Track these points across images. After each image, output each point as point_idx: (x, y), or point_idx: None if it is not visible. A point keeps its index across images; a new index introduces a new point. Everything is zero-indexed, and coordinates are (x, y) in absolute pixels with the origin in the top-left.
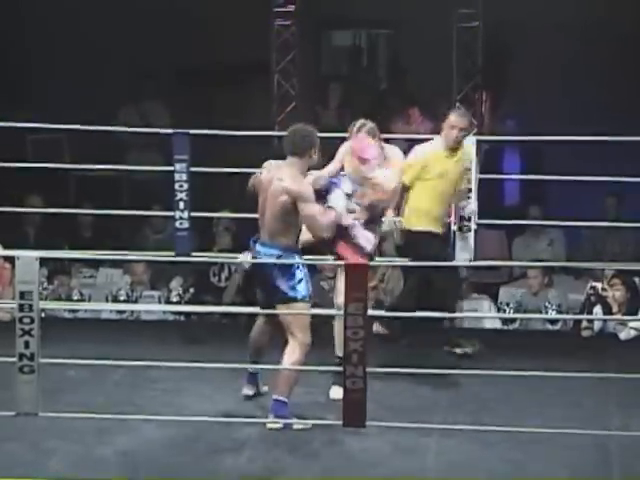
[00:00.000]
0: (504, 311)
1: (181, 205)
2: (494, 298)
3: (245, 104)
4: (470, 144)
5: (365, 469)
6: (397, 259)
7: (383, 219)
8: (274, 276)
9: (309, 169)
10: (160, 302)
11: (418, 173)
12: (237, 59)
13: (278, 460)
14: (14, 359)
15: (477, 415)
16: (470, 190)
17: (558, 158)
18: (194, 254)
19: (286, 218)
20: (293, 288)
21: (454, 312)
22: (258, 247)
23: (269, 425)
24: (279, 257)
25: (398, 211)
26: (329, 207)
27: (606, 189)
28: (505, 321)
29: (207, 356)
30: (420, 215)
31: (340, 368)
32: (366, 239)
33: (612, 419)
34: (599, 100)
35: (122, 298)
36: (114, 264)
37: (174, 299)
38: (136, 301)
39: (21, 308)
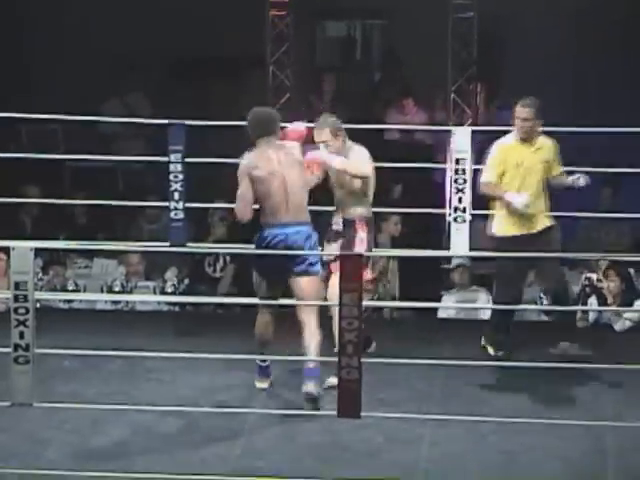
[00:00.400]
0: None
1: (176, 196)
2: (490, 289)
3: (240, 95)
4: (550, 141)
5: (360, 459)
6: (393, 251)
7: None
8: (309, 250)
9: None
10: (155, 293)
11: (500, 168)
12: (232, 50)
13: (272, 450)
14: (9, 349)
15: (471, 406)
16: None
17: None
18: (189, 245)
19: (307, 185)
20: (317, 262)
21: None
22: (281, 230)
23: (309, 389)
24: (309, 234)
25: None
26: None
27: (601, 180)
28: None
29: (202, 347)
30: (502, 218)
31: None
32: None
33: (607, 410)
34: (595, 91)
35: (117, 289)
36: (109, 255)
37: (169, 290)
38: (131, 292)
39: (16, 299)
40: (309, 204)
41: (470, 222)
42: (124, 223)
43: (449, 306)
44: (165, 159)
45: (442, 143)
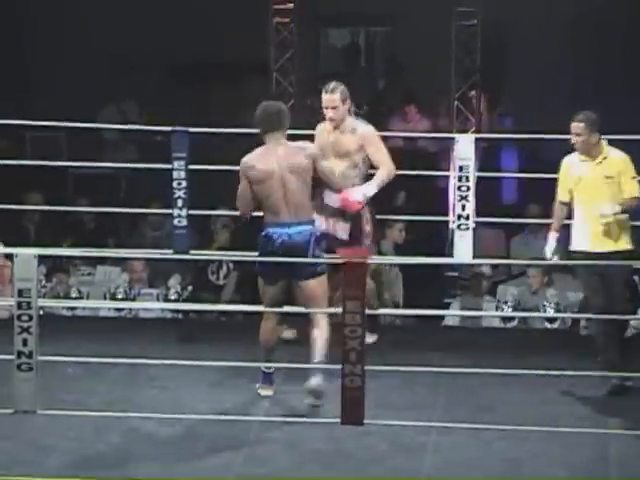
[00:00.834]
0: (502, 309)
1: (179, 203)
2: (492, 296)
3: (243, 101)
4: (620, 155)
5: (363, 467)
6: (395, 258)
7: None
8: (310, 251)
9: None
10: (158, 300)
11: (564, 185)
12: (236, 57)
13: (276, 458)
14: (12, 357)
15: (475, 413)
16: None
17: (556, 156)
18: (192, 252)
19: (309, 185)
20: (321, 262)
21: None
22: (281, 230)
23: (312, 383)
24: (311, 232)
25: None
26: None
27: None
28: (504, 319)
29: (205, 354)
30: (576, 232)
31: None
32: (342, 230)
33: (611, 418)
34: (597, 98)
35: (120, 296)
36: (112, 262)
37: (172, 297)
38: (134, 299)
39: (19, 306)
40: None
41: (474, 229)
42: (127, 230)
43: (446, 313)
44: (168, 166)
45: (445, 150)
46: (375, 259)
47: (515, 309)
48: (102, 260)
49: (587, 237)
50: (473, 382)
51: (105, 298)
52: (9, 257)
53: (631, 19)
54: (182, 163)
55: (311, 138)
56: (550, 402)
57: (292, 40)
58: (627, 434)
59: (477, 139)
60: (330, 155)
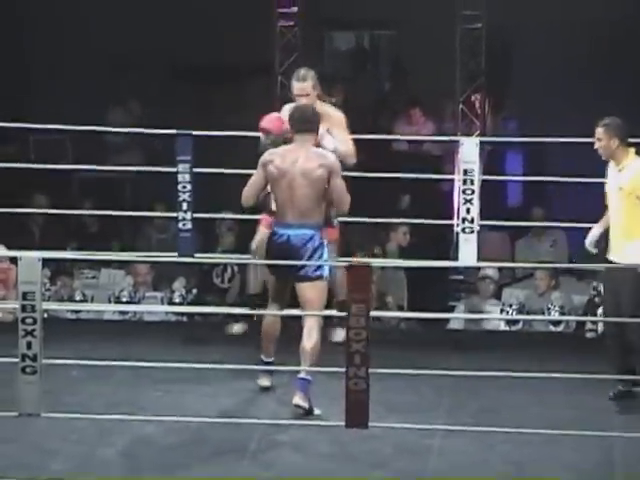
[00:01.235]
0: (507, 312)
1: (184, 206)
2: (497, 299)
3: (248, 105)
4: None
5: (367, 470)
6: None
7: None
8: (306, 255)
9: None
10: (163, 303)
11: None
12: (240, 60)
13: (281, 461)
14: (16, 360)
15: (480, 416)
16: None
17: (561, 159)
18: (197, 255)
19: (319, 195)
20: (320, 266)
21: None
22: (284, 230)
23: (296, 401)
24: (311, 236)
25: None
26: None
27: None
28: (508, 322)
29: (210, 357)
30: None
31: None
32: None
33: (615, 420)
34: (602, 101)
35: (125, 299)
36: (117, 265)
37: (177, 300)
38: (139, 302)
39: (23, 309)
40: None
41: (478, 232)
42: (132, 233)
43: (452, 316)
44: (173, 169)
45: (450, 153)
46: (380, 262)
47: (520, 312)
48: (106, 263)
49: (610, 245)
50: (477, 385)
51: (109, 301)
52: (13, 260)
53: (636, 22)
54: (187, 166)
55: None
56: (554, 405)
57: (296, 43)
58: (632, 437)
59: (482, 142)
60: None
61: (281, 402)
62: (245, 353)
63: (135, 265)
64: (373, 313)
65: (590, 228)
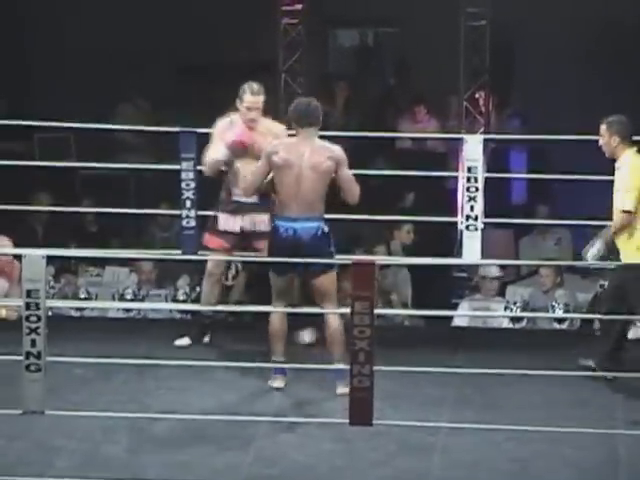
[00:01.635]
0: (511, 310)
1: (188, 204)
2: (501, 297)
3: None
4: (629, 163)
5: (371, 468)
6: (403, 259)
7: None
8: (319, 247)
9: None
10: (167, 301)
11: None
12: (244, 57)
13: (284, 458)
14: (21, 357)
15: (484, 414)
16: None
17: (565, 157)
18: (200, 252)
19: (325, 187)
20: (332, 256)
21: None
22: (289, 223)
23: (341, 391)
24: (318, 228)
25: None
26: None
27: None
28: (513, 320)
29: (214, 354)
30: None
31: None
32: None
33: (619, 418)
34: (606, 98)
35: (129, 297)
36: (121, 263)
37: (181, 298)
38: (143, 300)
39: (28, 306)
40: None
41: (482, 230)
42: (136, 231)
43: (460, 314)
44: (177, 167)
45: (454, 151)
46: (384, 260)
47: (524, 310)
48: (111, 261)
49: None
50: (481, 383)
51: (114, 299)
52: (17, 257)
53: None
54: (190, 164)
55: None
56: (559, 403)
57: (301, 41)
58: (636, 435)
59: (486, 140)
60: (244, 155)
61: (285, 399)
62: (249, 350)
63: (139, 263)
64: (377, 311)
65: (594, 226)
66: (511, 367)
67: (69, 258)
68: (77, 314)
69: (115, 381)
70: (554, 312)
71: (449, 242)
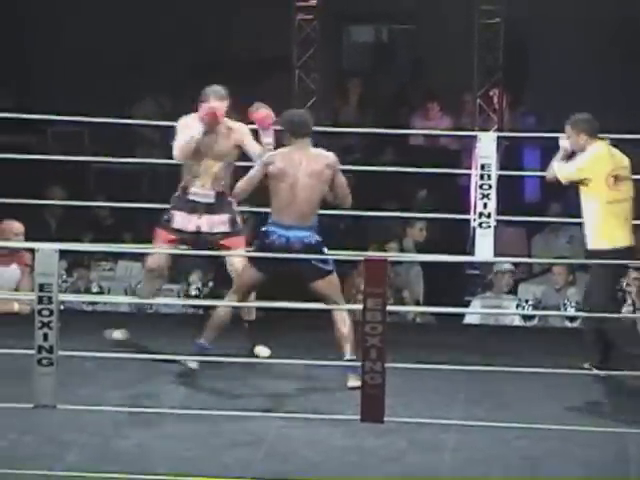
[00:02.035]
0: (523, 308)
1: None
2: (513, 295)
3: (265, 98)
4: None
5: (382, 465)
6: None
7: None
8: (310, 254)
9: None
10: (179, 296)
11: None
12: (258, 54)
13: (295, 455)
14: (33, 351)
15: (495, 412)
16: None
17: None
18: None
19: (321, 195)
20: (327, 262)
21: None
22: (282, 231)
23: (352, 384)
24: (311, 237)
25: None
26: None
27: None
28: (524, 318)
29: (225, 350)
30: None
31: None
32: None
33: (630, 417)
34: (619, 97)
35: None
36: (133, 257)
37: (193, 293)
38: (155, 294)
39: (40, 300)
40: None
41: (495, 228)
42: (150, 225)
43: (472, 311)
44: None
45: (467, 148)
46: (397, 257)
47: (536, 308)
48: (123, 255)
49: None
50: (493, 380)
51: (126, 293)
52: (30, 250)
53: None
54: None
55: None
56: (570, 401)
57: (315, 37)
58: None
59: (499, 137)
60: (204, 157)
61: (296, 395)
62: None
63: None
64: (389, 308)
65: None
66: (522, 365)
67: (82, 252)
68: (89, 308)
69: (126, 376)
70: (566, 310)
71: (461, 239)
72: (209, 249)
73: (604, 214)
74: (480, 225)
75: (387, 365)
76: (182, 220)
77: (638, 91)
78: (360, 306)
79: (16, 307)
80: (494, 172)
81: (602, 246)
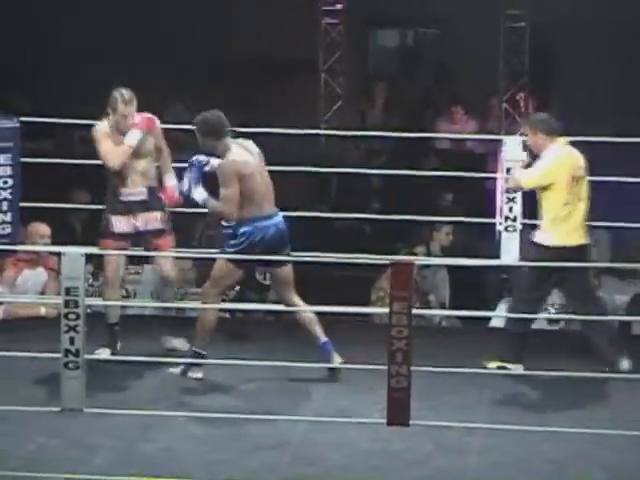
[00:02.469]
0: (549, 312)
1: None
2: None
3: (291, 102)
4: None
5: (408, 467)
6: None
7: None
8: (287, 236)
9: None
10: None
11: None
12: (284, 57)
13: (321, 458)
14: (59, 355)
15: (520, 415)
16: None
17: (604, 159)
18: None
19: None
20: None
21: None
22: (268, 222)
23: (338, 360)
24: (282, 220)
25: None
26: None
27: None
28: (550, 321)
29: (252, 353)
30: None
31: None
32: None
33: None
34: None
35: None
36: None
37: None
38: (182, 298)
39: (67, 304)
40: None
41: (521, 231)
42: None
43: (501, 315)
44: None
45: (493, 152)
46: (422, 260)
47: (561, 312)
48: (150, 259)
49: None
50: (518, 383)
51: (152, 297)
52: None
53: None
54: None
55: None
56: (595, 404)
57: (341, 41)
58: None
59: (525, 141)
60: (131, 156)
61: (322, 399)
62: (287, 349)
63: (179, 261)
64: (415, 311)
65: (632, 228)
66: (548, 368)
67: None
68: None
69: (153, 379)
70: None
71: (488, 243)
72: (146, 249)
73: (564, 214)
74: (506, 229)
75: (413, 368)
76: (120, 224)
77: None
78: (386, 309)
79: (43, 311)
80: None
81: (556, 243)
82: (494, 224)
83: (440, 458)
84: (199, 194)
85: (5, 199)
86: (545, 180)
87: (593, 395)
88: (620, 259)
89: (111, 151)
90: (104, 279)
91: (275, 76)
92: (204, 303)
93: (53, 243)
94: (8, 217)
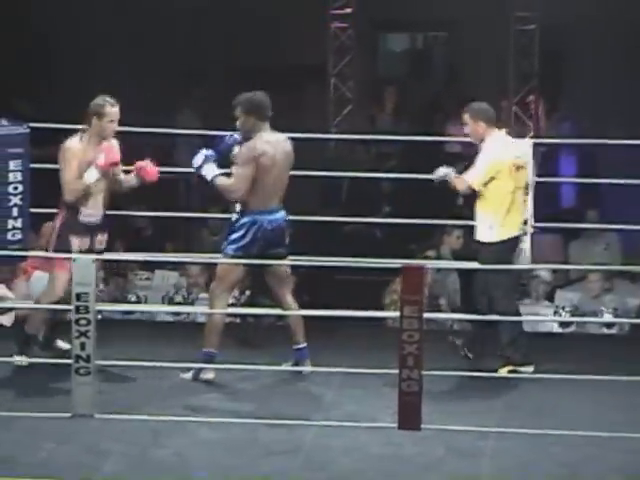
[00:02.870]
0: (560, 315)
1: (237, 207)
2: (550, 301)
3: (301, 106)
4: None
5: (420, 472)
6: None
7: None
8: (287, 231)
9: None
10: None
11: None
12: (293, 61)
13: (333, 462)
14: (70, 361)
15: (533, 418)
16: None
17: (615, 161)
18: None
19: None
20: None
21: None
22: (271, 216)
23: (307, 369)
24: (284, 215)
25: None
26: None
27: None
28: (562, 325)
29: (262, 358)
30: None
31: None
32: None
33: None
34: None
35: (178, 300)
36: (170, 266)
37: (230, 301)
38: (192, 303)
39: (77, 310)
40: None
41: (532, 234)
42: (186, 235)
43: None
44: (226, 170)
45: None
46: (433, 264)
47: (573, 314)
48: (160, 265)
49: None
50: (530, 387)
51: (163, 302)
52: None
53: None
54: None
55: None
56: (607, 407)
57: (350, 45)
58: None
59: (535, 144)
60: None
61: (333, 403)
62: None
63: (189, 266)
64: (426, 315)
65: None
66: (560, 372)
67: (119, 262)
68: (126, 317)
69: (164, 384)
70: (603, 317)
71: None
72: None
73: (508, 203)
74: None
75: (424, 372)
76: (79, 243)
77: None
78: (397, 313)
79: None
80: (530, 178)
81: (504, 236)
82: None
83: (452, 462)
84: (209, 170)
85: (15, 205)
86: (490, 173)
87: (606, 398)
88: (632, 262)
89: (70, 182)
90: (49, 291)
91: (284, 80)
92: (212, 302)
93: None
94: (19, 223)
